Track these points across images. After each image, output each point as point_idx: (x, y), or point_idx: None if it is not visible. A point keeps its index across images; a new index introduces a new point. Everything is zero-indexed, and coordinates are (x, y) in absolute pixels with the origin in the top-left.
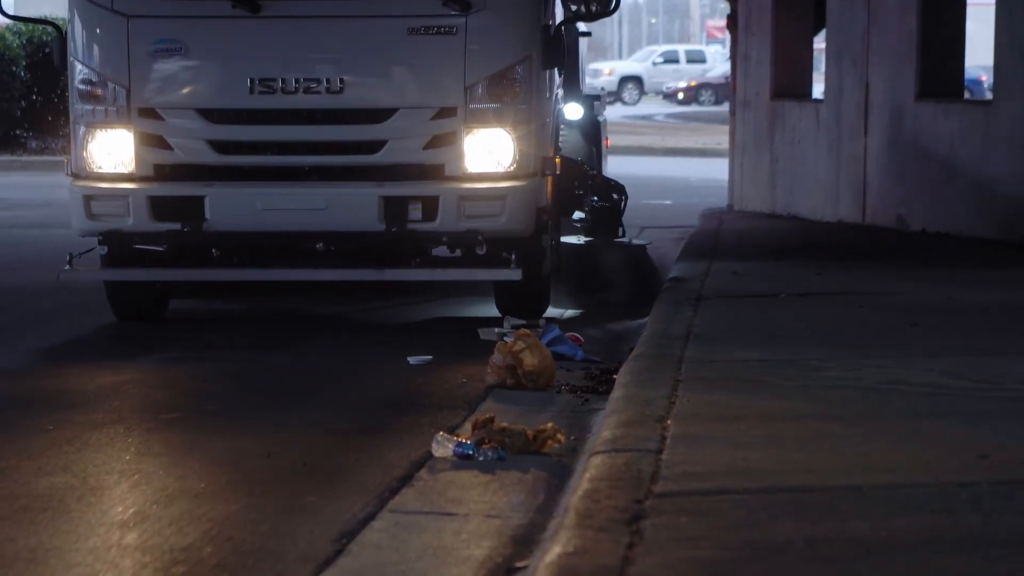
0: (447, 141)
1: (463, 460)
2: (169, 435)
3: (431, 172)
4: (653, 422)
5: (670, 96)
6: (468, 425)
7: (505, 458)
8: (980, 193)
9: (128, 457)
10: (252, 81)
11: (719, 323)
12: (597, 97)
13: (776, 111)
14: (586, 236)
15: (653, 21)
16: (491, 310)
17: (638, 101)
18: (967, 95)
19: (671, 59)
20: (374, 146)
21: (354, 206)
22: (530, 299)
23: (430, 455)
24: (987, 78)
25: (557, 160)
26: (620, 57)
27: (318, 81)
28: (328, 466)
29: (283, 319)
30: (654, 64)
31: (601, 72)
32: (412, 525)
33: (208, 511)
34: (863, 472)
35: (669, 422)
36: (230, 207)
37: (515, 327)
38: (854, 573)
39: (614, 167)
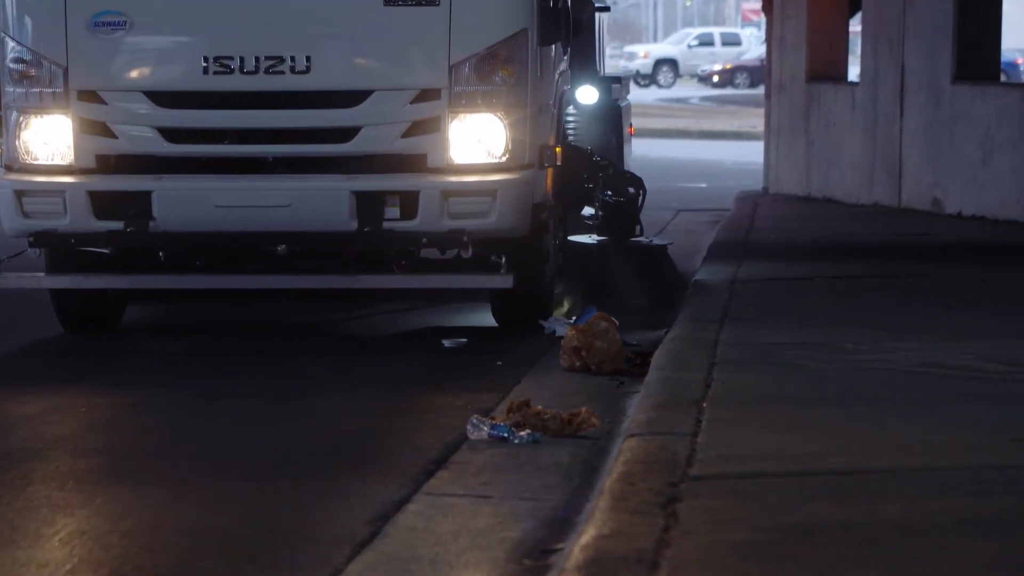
0: (429, 128)
1: (498, 443)
2: (199, 419)
3: (411, 163)
4: (688, 405)
5: (705, 79)
6: (503, 408)
7: (540, 441)
8: (1016, 176)
9: (161, 441)
10: (207, 60)
11: (754, 306)
12: (617, 79)
13: (812, 94)
14: (598, 235)
15: (688, 4)
16: (489, 318)
17: (673, 84)
18: (1003, 78)
19: (706, 42)
20: (345, 133)
21: (322, 202)
22: (527, 308)
23: (465, 438)
24: (1023, 61)
25: (558, 149)
26: (655, 40)
27: (281, 59)
28: (363, 449)
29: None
30: (689, 47)
31: (636, 55)
32: (447, 507)
33: (243, 493)
34: (898, 455)
35: (704, 405)
36: (180, 204)
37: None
38: (889, 555)
39: (648, 150)
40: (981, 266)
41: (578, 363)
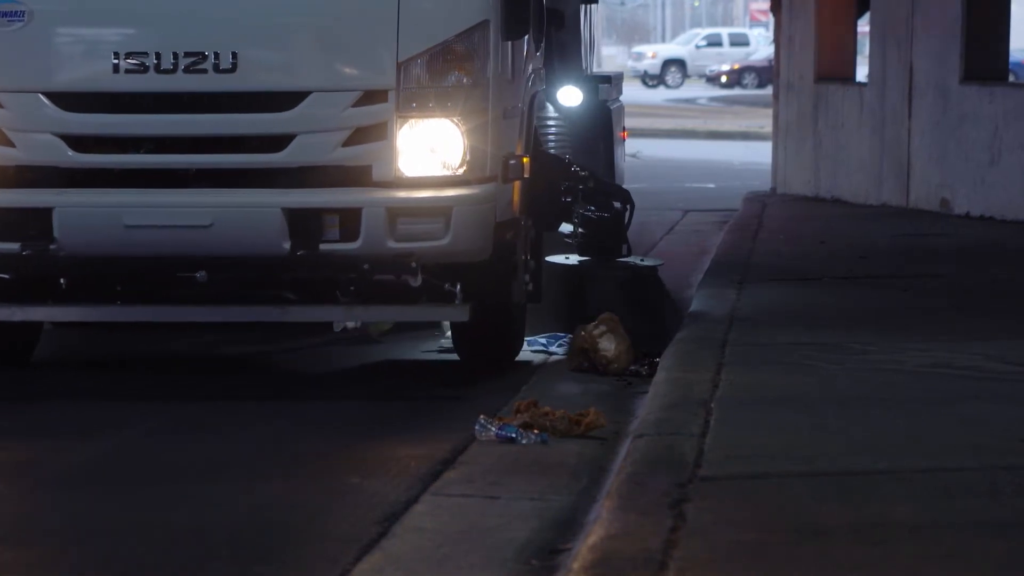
0: (374, 135)
1: (506, 443)
2: (207, 417)
3: (353, 176)
4: (696, 405)
5: (713, 79)
6: (511, 408)
7: (548, 441)
8: None
9: (167, 437)
10: (117, 56)
11: (762, 306)
12: (607, 79)
13: (820, 94)
14: (580, 255)
15: (696, 4)
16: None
17: (681, 84)
18: (1012, 78)
19: (714, 42)
20: (277, 142)
21: (249, 221)
22: (492, 341)
23: (473, 438)
24: None
25: (525, 160)
26: (663, 40)
27: (203, 56)
28: (371, 449)
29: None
30: (697, 47)
31: (644, 55)
32: (455, 508)
33: (252, 493)
34: (907, 456)
35: (712, 405)
36: (85, 222)
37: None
38: (898, 556)
39: (657, 150)
40: (990, 267)
41: (586, 364)
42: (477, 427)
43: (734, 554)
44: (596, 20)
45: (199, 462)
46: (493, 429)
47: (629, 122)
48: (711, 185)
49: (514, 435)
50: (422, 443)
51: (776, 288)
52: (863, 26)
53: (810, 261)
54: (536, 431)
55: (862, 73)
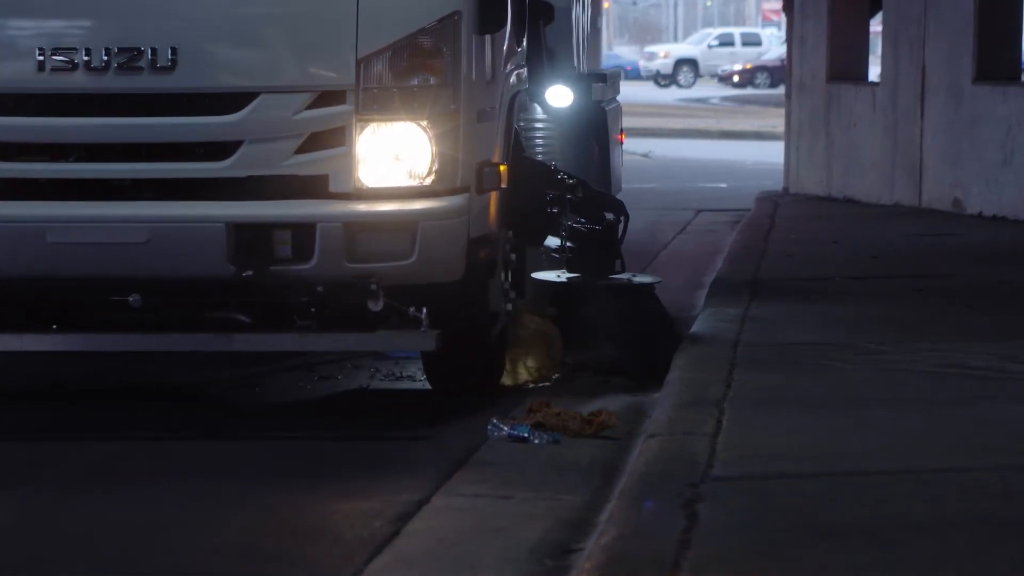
0: (331, 141)
1: (518, 443)
2: (214, 417)
3: (307, 187)
4: (709, 405)
5: (725, 79)
6: (523, 409)
7: (560, 441)
8: None
9: (176, 438)
10: (43, 52)
11: (775, 306)
12: (602, 77)
13: (832, 94)
14: (569, 271)
15: (708, 3)
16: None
17: (693, 84)
18: None
19: (726, 42)
20: (222, 149)
21: (190, 238)
22: (467, 370)
23: (485, 438)
24: None
25: (502, 168)
26: (675, 40)
27: (139, 52)
28: (383, 450)
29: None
30: (709, 47)
31: (656, 55)
32: (467, 507)
33: (263, 493)
34: (921, 456)
35: (725, 405)
36: (5, 239)
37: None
38: (912, 557)
39: (669, 150)
40: (1003, 267)
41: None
42: (490, 427)
43: (747, 555)
44: (595, 15)
45: (207, 463)
46: (506, 429)
47: (641, 122)
48: (723, 185)
49: (526, 435)
50: (432, 447)
51: (788, 288)
52: (875, 26)
53: (822, 261)
54: (548, 431)
55: (874, 73)
